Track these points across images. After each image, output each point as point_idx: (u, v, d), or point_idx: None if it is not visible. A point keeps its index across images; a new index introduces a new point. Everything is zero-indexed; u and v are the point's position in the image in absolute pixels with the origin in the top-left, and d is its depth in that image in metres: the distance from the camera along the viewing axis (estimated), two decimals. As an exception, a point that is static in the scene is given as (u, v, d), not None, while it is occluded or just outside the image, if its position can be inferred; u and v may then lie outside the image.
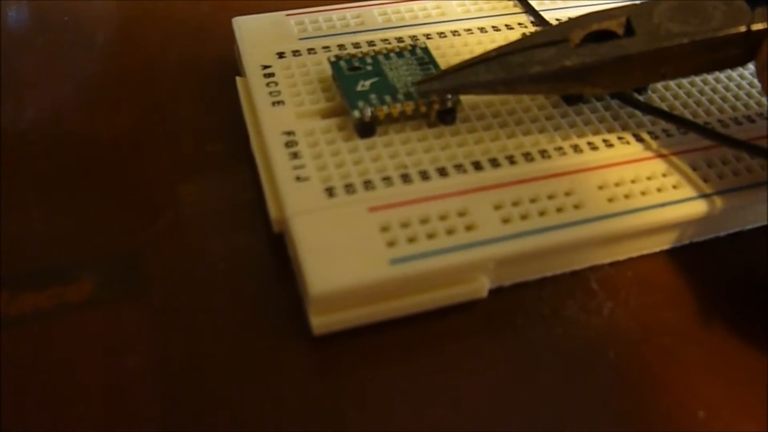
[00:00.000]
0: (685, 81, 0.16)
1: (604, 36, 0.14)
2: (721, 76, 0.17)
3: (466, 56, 0.16)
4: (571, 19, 0.14)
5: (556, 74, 0.13)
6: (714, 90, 0.16)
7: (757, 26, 0.13)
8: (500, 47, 0.14)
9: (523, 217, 0.13)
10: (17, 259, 0.14)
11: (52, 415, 0.12)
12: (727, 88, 0.16)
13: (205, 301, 0.13)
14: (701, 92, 0.16)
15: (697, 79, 0.16)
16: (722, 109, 0.16)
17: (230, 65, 0.18)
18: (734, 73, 0.17)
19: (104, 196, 0.15)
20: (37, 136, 0.17)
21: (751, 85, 0.16)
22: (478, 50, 0.16)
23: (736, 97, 0.16)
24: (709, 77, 0.17)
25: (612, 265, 0.14)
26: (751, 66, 0.17)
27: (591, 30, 0.14)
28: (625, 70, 0.13)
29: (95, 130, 0.17)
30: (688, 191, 0.14)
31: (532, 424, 0.12)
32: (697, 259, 0.14)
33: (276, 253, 0.14)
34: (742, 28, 0.13)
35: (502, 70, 0.13)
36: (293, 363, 0.13)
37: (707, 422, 0.12)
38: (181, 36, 0.20)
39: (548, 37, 0.14)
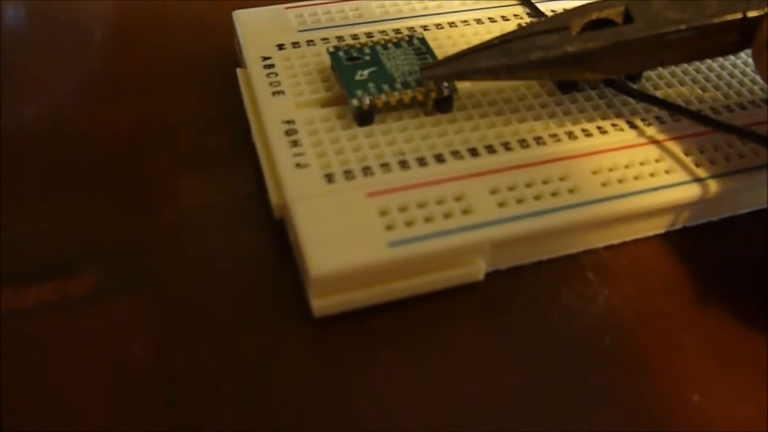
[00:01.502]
0: (677, 69, 0.17)
1: (603, 25, 0.14)
2: (714, 65, 0.17)
3: (463, 47, 0.17)
4: (571, 9, 0.14)
5: (558, 60, 0.13)
6: (706, 78, 0.16)
7: (752, 13, 0.14)
8: (502, 35, 0.14)
9: (519, 201, 0.13)
10: (20, 253, 0.14)
11: (56, 408, 0.12)
12: (719, 77, 0.17)
13: (207, 292, 0.14)
14: (694, 80, 0.16)
15: (690, 68, 0.17)
16: (714, 97, 0.16)
17: (229, 59, 0.18)
18: (726, 62, 0.17)
19: (106, 192, 0.16)
20: (39, 133, 0.17)
21: (743, 73, 0.17)
22: (475, 41, 0.17)
23: (728, 85, 0.16)
24: (702, 66, 0.17)
25: (606, 249, 0.14)
26: (743, 55, 0.17)
27: (591, 19, 0.14)
28: (624, 55, 0.14)
29: (96, 127, 0.17)
30: (680, 176, 0.14)
31: (529, 410, 0.12)
32: (690, 243, 0.15)
33: (276, 244, 0.14)
34: (738, 15, 0.14)
35: (504, 55, 0.14)
36: (295, 347, 0.13)
37: (702, 406, 0.12)
38: (179, 31, 0.20)
39: (549, 25, 0.14)
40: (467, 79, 0.14)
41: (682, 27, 0.14)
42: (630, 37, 0.14)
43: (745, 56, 0.17)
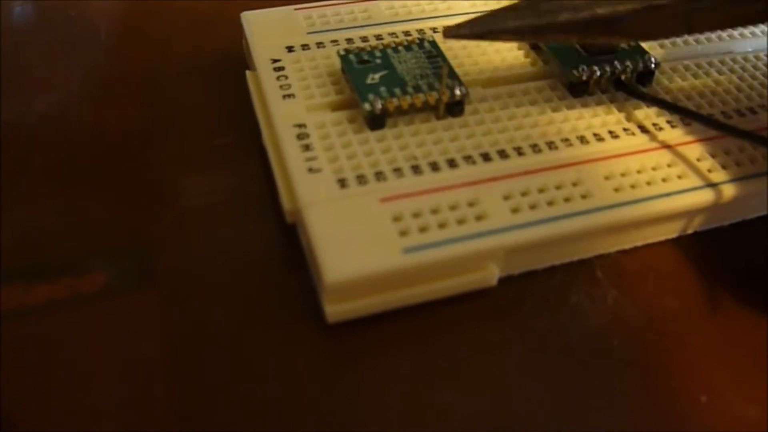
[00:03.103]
0: (688, 73, 0.17)
1: None
2: (724, 68, 0.17)
3: (473, 49, 0.17)
4: None
5: (587, 22, 0.13)
6: (717, 82, 0.16)
7: None
8: None
9: (532, 206, 0.13)
10: (29, 250, 0.14)
11: (68, 404, 0.12)
12: (729, 80, 0.17)
13: (216, 291, 0.14)
14: (704, 84, 0.16)
15: (700, 71, 0.17)
16: (725, 101, 0.16)
17: (235, 59, 0.18)
18: (736, 66, 0.17)
19: (114, 189, 0.16)
20: (47, 130, 0.17)
21: (752, 77, 0.17)
22: (485, 43, 0.17)
23: (739, 89, 0.16)
24: (712, 70, 0.17)
25: (618, 252, 0.14)
26: (752, 58, 0.17)
27: None
28: (655, 20, 0.13)
29: (104, 125, 0.17)
30: (692, 181, 0.14)
31: (537, 410, 0.12)
32: (700, 248, 0.15)
33: (286, 243, 0.14)
34: None
35: (531, 16, 0.13)
36: (306, 351, 0.13)
37: (710, 406, 0.12)
38: (186, 30, 0.20)
39: None
40: (492, 39, 0.14)
41: None
42: (662, 1, 0.13)
43: (754, 59, 0.17)
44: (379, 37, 0.17)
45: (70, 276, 0.14)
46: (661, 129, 0.15)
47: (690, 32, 0.14)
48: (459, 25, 0.14)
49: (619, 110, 0.15)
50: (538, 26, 0.13)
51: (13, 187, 0.15)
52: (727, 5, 0.13)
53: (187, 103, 0.18)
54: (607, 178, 0.14)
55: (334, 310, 0.13)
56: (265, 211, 0.15)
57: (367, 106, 0.14)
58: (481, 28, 0.14)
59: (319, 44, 0.17)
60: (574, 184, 0.14)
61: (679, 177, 0.14)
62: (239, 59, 0.18)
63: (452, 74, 0.15)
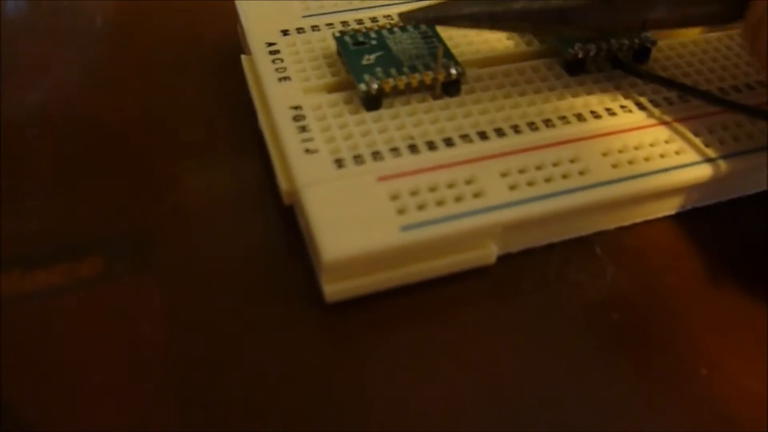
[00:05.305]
0: (685, 51, 0.17)
1: None
2: (720, 45, 0.17)
3: (467, 30, 0.17)
4: None
5: (540, 12, 0.13)
6: (714, 59, 0.16)
7: None
8: None
9: (530, 183, 0.13)
10: (28, 237, 0.14)
11: (67, 388, 0.12)
12: (726, 57, 0.16)
13: (215, 274, 0.14)
14: (701, 61, 0.16)
15: (697, 48, 0.17)
16: (722, 77, 0.16)
17: (231, 45, 0.18)
18: (733, 43, 0.17)
19: (112, 176, 0.16)
20: (44, 120, 0.17)
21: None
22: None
23: (736, 66, 0.16)
24: (708, 46, 0.17)
25: (617, 230, 0.14)
26: (749, 34, 0.17)
27: None
28: (607, 14, 0.13)
29: (101, 112, 0.17)
30: (690, 157, 0.14)
31: (539, 385, 0.12)
32: (699, 224, 0.15)
33: (284, 226, 0.14)
34: None
35: (487, 3, 0.13)
36: (306, 331, 0.13)
37: (710, 379, 0.12)
38: (182, 17, 0.20)
39: None
40: (448, 25, 0.14)
41: None
42: None
43: (751, 36, 0.17)
44: (374, 20, 0.17)
45: (69, 262, 0.14)
46: (658, 105, 0.15)
47: (645, 29, 0.14)
48: (414, 10, 0.14)
49: (616, 88, 0.15)
50: (493, 13, 0.13)
51: (11, 176, 0.15)
52: (682, 4, 0.13)
53: (183, 89, 0.18)
54: (604, 154, 0.14)
55: (333, 290, 0.13)
56: (263, 195, 0.15)
57: (363, 87, 0.14)
58: (436, 13, 0.14)
59: (314, 27, 0.17)
60: (572, 161, 0.14)
61: (677, 153, 0.14)
62: (235, 45, 0.18)
63: (448, 54, 0.15)
